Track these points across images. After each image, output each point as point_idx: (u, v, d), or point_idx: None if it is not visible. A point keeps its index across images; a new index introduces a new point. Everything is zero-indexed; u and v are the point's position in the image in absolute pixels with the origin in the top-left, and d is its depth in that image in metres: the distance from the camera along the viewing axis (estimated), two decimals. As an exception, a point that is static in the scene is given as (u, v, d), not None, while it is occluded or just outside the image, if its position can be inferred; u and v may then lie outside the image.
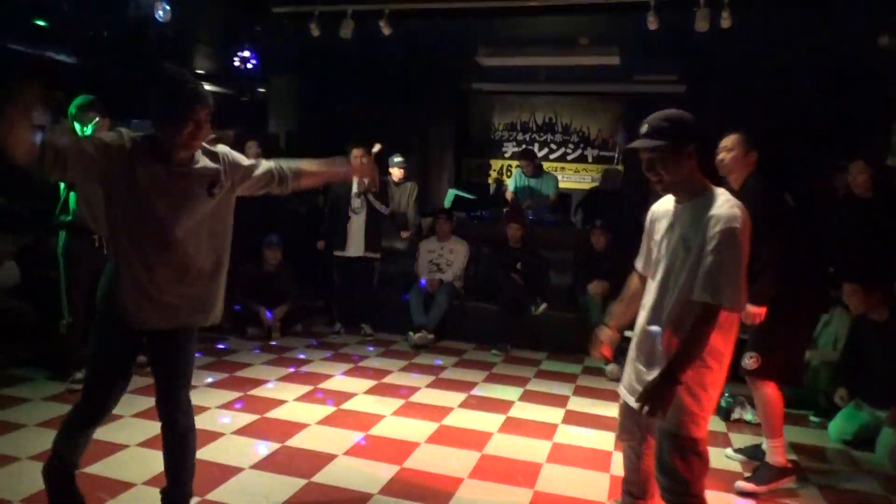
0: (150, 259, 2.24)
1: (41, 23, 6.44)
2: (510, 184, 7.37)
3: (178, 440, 2.48)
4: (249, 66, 6.71)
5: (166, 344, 2.38)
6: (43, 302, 4.49)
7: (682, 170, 2.17)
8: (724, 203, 2.11)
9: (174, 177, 2.25)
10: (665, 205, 2.33)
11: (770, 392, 3.17)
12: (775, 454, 3.18)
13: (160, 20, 4.81)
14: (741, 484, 3.18)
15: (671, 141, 2.16)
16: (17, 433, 3.42)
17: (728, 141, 3.28)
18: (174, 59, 8.32)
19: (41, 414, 3.68)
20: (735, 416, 4.18)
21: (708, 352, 2.09)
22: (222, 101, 10.31)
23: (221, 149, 2.44)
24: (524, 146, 8.39)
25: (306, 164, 2.68)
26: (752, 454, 3.48)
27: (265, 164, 2.54)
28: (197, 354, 4.97)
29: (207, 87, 8.01)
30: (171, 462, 2.49)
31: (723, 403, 4.14)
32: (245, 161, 2.49)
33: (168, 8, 4.75)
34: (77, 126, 4.06)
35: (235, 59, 6.66)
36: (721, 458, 3.55)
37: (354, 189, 5.83)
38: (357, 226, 5.86)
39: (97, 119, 4.03)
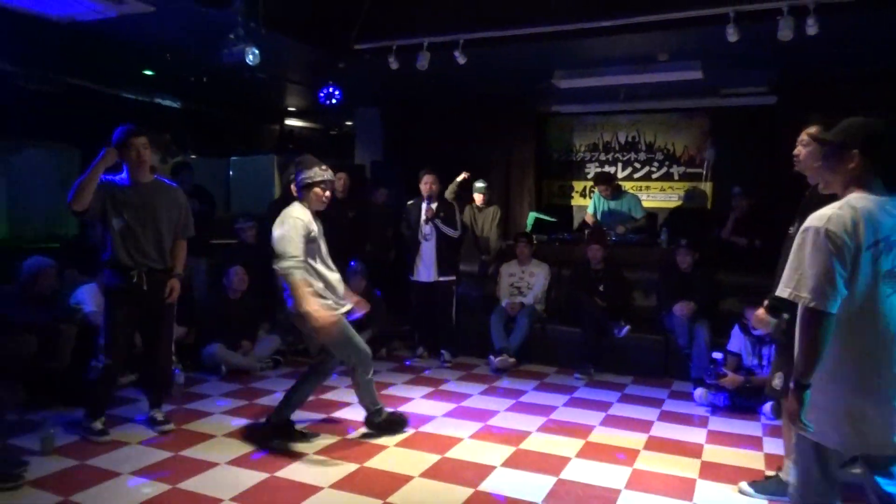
0: None
1: (148, 72, 7.05)
2: (589, 207, 7.27)
3: None
4: (335, 101, 7.01)
5: None
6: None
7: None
8: None
9: None
10: None
11: None
12: None
13: (251, 64, 5.12)
14: None
15: None
16: (121, 450, 3.70)
17: (805, 134, 3.01)
18: (267, 100, 8.91)
19: (145, 433, 3.97)
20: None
21: None
22: (312, 136, 10.87)
23: None
24: (606, 167, 8.27)
25: None
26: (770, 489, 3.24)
27: None
28: (286, 377, 5.21)
29: (298, 122, 8.44)
30: None
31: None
32: None
33: (257, 52, 5.05)
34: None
35: (322, 94, 6.98)
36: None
37: (422, 216, 5.96)
38: (428, 251, 5.97)
39: None
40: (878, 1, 4.67)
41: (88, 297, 4.72)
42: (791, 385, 2.05)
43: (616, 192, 7.08)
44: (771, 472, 3.43)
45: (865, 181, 2.09)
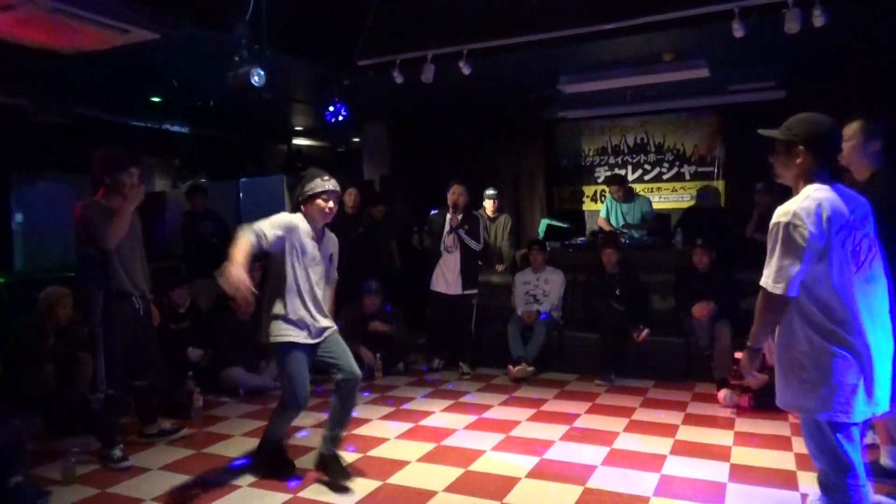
0: None
1: (156, 99, 7.11)
2: (602, 211, 7.23)
3: None
4: (341, 118, 7.03)
5: None
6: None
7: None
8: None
9: None
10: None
11: None
12: None
13: (257, 85, 5.14)
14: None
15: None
16: (142, 476, 3.69)
17: (847, 129, 3.06)
18: (274, 120, 8.96)
19: (165, 457, 3.95)
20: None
21: None
22: (320, 154, 10.91)
23: None
24: (616, 170, 8.22)
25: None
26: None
27: None
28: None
29: (306, 141, 8.47)
30: None
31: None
32: None
33: (262, 73, 5.07)
34: None
35: (328, 112, 7.00)
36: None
37: (446, 227, 5.92)
38: (451, 264, 5.93)
39: None
40: (884, -11, 4.63)
41: None
42: (746, 347, 2.43)
43: (628, 195, 7.03)
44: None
45: (815, 174, 2.29)
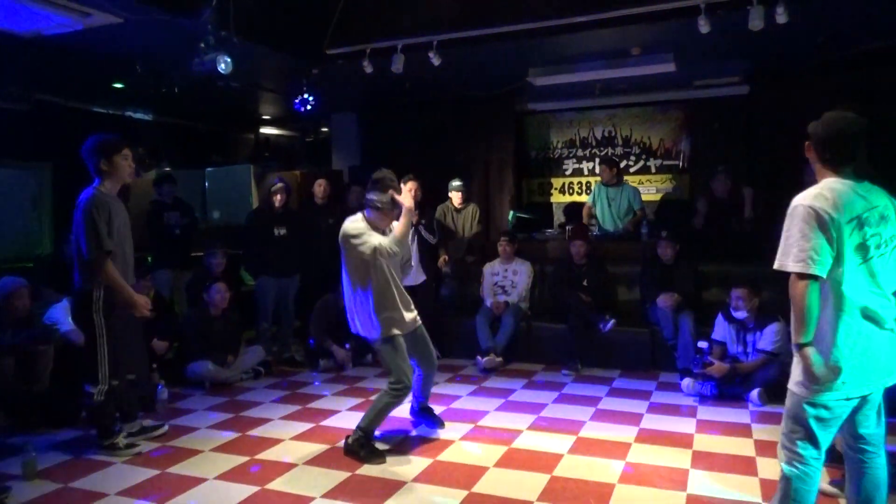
0: None
1: (119, 85, 6.94)
2: (588, 199, 7.24)
3: None
4: (310, 107, 6.95)
5: None
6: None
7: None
8: None
9: None
10: None
11: None
12: None
13: (223, 73, 5.05)
14: None
15: None
16: (106, 470, 3.63)
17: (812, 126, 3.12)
18: (242, 108, 8.82)
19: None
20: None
21: None
22: (289, 143, 10.78)
23: None
24: (584, 163, 8.31)
25: None
26: None
27: None
28: (271, 388, 5.17)
29: (274, 130, 8.38)
30: None
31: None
32: None
33: (229, 60, 4.98)
34: None
35: (297, 102, 6.92)
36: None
37: None
38: (415, 256, 5.97)
39: None
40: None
41: (63, 316, 4.61)
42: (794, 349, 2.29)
43: (615, 180, 6.99)
44: None
45: (833, 168, 2.32)
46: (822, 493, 3.27)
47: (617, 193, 6.95)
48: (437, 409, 4.60)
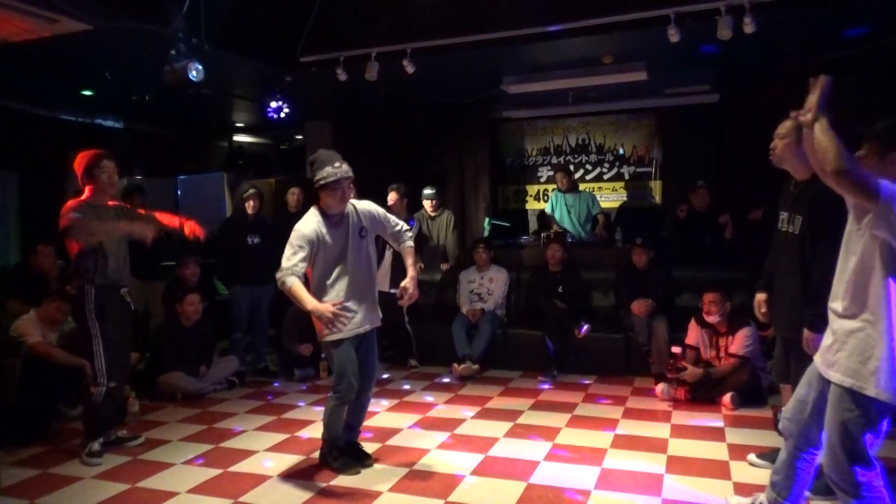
0: None
1: (88, 92, 6.82)
2: (547, 207, 7.34)
3: None
4: (283, 115, 6.91)
5: None
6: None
7: None
8: None
9: None
10: None
11: None
12: None
13: (195, 80, 5.00)
14: None
15: None
16: (74, 486, 3.54)
17: (781, 128, 3.11)
18: (214, 116, 8.73)
19: (100, 465, 3.81)
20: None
21: None
22: (263, 151, 10.69)
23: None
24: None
25: None
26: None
27: None
28: (245, 399, 5.09)
29: (248, 138, 8.28)
30: None
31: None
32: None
33: (201, 68, 4.92)
34: None
35: (270, 109, 6.87)
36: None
37: None
38: (385, 265, 5.97)
39: None
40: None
41: (32, 328, 4.51)
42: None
43: (572, 186, 7.14)
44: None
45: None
46: (751, 465, 3.52)
47: (575, 200, 7.06)
48: (414, 418, 4.60)
